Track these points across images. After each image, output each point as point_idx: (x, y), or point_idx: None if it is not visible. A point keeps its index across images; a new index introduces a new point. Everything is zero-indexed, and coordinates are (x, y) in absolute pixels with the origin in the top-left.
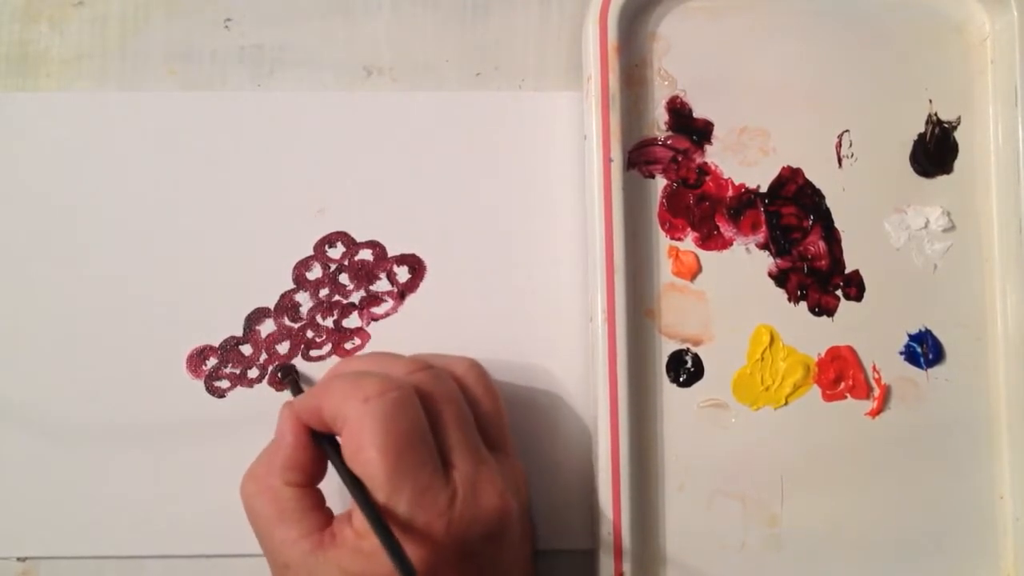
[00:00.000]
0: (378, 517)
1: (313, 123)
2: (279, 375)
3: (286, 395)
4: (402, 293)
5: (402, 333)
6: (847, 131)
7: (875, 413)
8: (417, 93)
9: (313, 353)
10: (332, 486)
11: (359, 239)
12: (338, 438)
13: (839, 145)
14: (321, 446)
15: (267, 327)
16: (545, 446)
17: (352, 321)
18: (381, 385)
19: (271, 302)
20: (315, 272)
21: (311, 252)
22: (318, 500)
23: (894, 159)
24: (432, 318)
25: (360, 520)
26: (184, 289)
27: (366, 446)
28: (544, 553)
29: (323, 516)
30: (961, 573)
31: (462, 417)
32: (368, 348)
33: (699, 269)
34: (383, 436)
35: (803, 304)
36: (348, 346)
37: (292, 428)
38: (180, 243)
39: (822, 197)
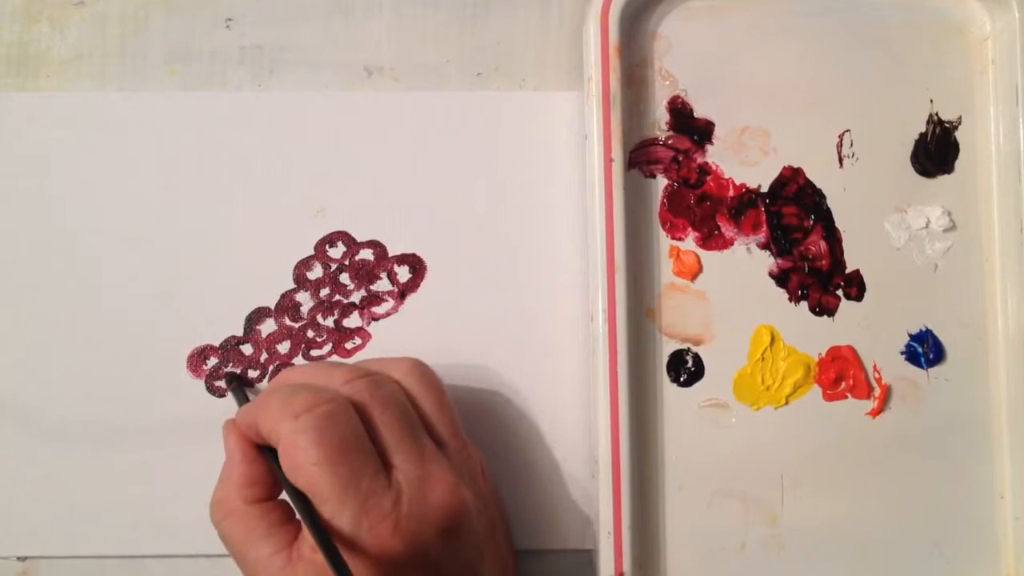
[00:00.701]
0: (319, 530)
1: (313, 123)
2: (224, 382)
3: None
4: (403, 293)
5: (402, 333)
6: (848, 131)
7: (875, 413)
8: (417, 93)
9: (314, 353)
10: None
11: (359, 239)
12: None
13: (840, 145)
14: (269, 462)
15: (268, 327)
16: (545, 446)
17: (353, 321)
18: (311, 400)
19: (272, 302)
20: (316, 272)
21: (312, 252)
22: (284, 514)
23: (895, 159)
24: (432, 318)
25: (309, 534)
26: (184, 289)
27: (302, 462)
28: (544, 553)
29: (292, 530)
30: (961, 573)
31: (402, 419)
32: (369, 348)
33: (700, 269)
34: (317, 450)
35: (804, 304)
36: (349, 346)
37: (238, 445)
38: (180, 243)
39: (823, 197)
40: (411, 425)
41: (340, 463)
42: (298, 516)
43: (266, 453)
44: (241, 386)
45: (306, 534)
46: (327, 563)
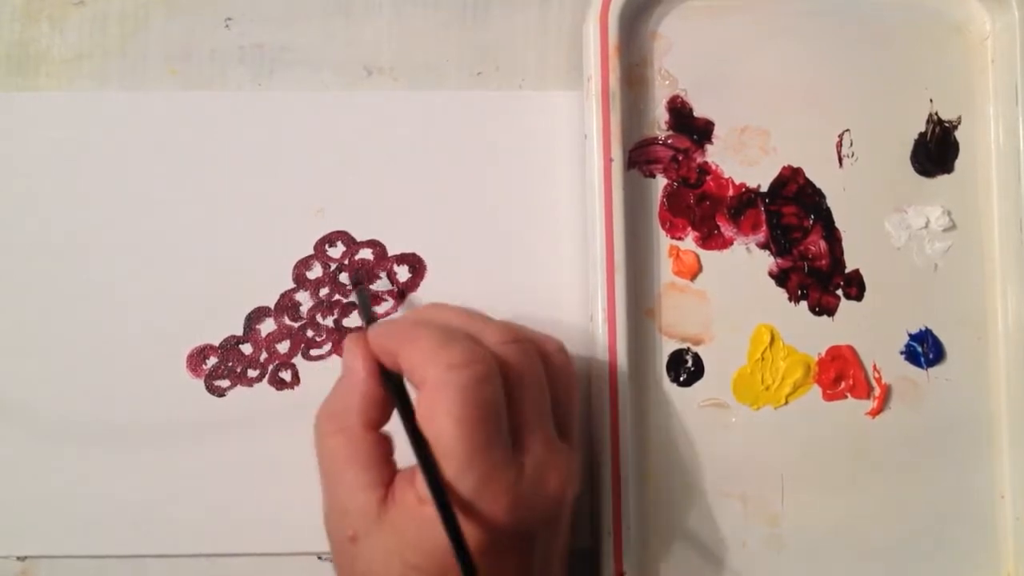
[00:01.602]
0: (441, 489)
1: (313, 123)
2: (351, 285)
3: (279, 395)
4: (402, 292)
5: None
6: (848, 130)
7: (875, 413)
8: (417, 93)
9: (313, 352)
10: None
11: (359, 238)
12: (409, 391)
13: (840, 144)
14: (390, 391)
15: (267, 326)
16: None
17: (353, 320)
18: (468, 354)
19: (271, 301)
20: (315, 271)
21: (311, 251)
22: (389, 449)
23: (895, 158)
24: None
25: (423, 486)
26: (184, 289)
27: (442, 415)
28: None
29: (391, 469)
30: (961, 573)
31: (541, 399)
32: None
33: (699, 268)
34: (462, 408)
35: (803, 303)
36: None
37: (366, 365)
38: (180, 243)
39: (823, 196)
40: (545, 408)
41: (479, 427)
42: (417, 463)
43: (392, 383)
44: (369, 298)
45: (416, 483)
46: (441, 521)
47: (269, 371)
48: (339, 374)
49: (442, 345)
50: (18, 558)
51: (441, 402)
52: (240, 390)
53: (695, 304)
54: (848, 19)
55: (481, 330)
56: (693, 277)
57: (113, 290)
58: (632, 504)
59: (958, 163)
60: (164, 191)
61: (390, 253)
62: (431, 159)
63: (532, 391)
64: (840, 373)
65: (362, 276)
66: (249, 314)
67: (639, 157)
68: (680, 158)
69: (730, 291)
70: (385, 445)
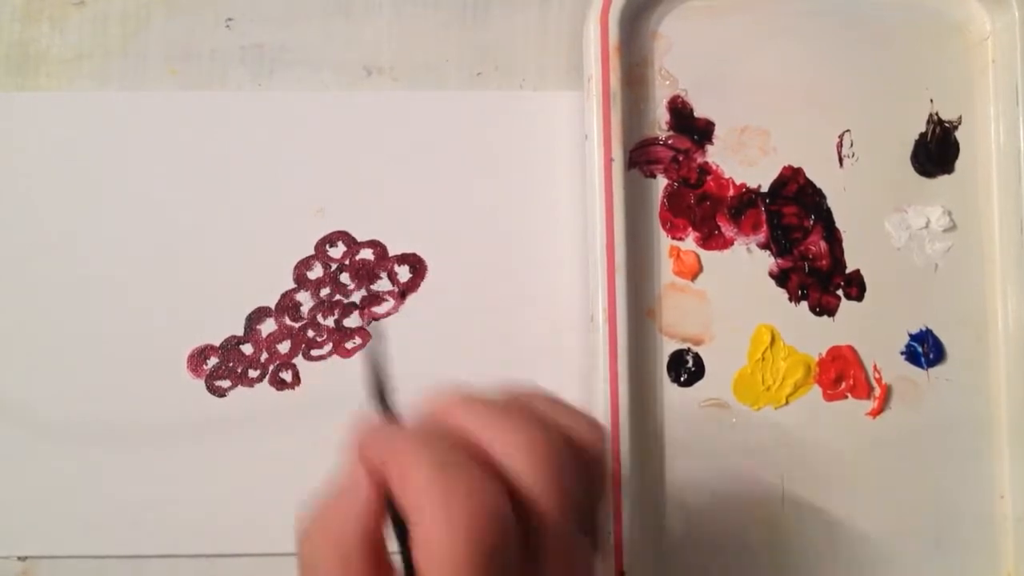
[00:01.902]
0: None
1: (313, 123)
2: (376, 397)
3: (286, 394)
4: (403, 292)
5: (403, 333)
6: (848, 131)
7: (876, 413)
8: (417, 93)
9: (314, 353)
10: None
11: (360, 238)
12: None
13: (840, 145)
14: (391, 518)
15: (268, 326)
16: None
17: (353, 320)
18: (469, 485)
19: (272, 301)
20: (316, 271)
21: (312, 252)
22: (384, 553)
23: (895, 159)
24: (433, 318)
25: None
26: (185, 289)
27: (440, 559)
28: None
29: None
30: (961, 573)
31: (563, 511)
32: None
33: (700, 269)
34: (462, 551)
35: (804, 304)
36: (349, 345)
37: (368, 484)
38: (180, 243)
39: (823, 197)
40: (568, 514)
41: (482, 571)
42: None
43: (394, 511)
44: (387, 400)
45: None
46: None
47: (270, 371)
48: (337, 482)
49: (443, 475)
50: (19, 558)
51: (438, 544)
52: (241, 390)
53: (695, 304)
54: (848, 19)
55: (495, 436)
56: (693, 277)
57: (113, 290)
58: (632, 504)
59: (958, 163)
60: (164, 191)
61: (391, 253)
62: (431, 159)
63: (552, 507)
64: (840, 373)
65: (381, 384)
66: (250, 314)
67: (639, 157)
68: (680, 158)
69: (730, 291)
70: (385, 566)
